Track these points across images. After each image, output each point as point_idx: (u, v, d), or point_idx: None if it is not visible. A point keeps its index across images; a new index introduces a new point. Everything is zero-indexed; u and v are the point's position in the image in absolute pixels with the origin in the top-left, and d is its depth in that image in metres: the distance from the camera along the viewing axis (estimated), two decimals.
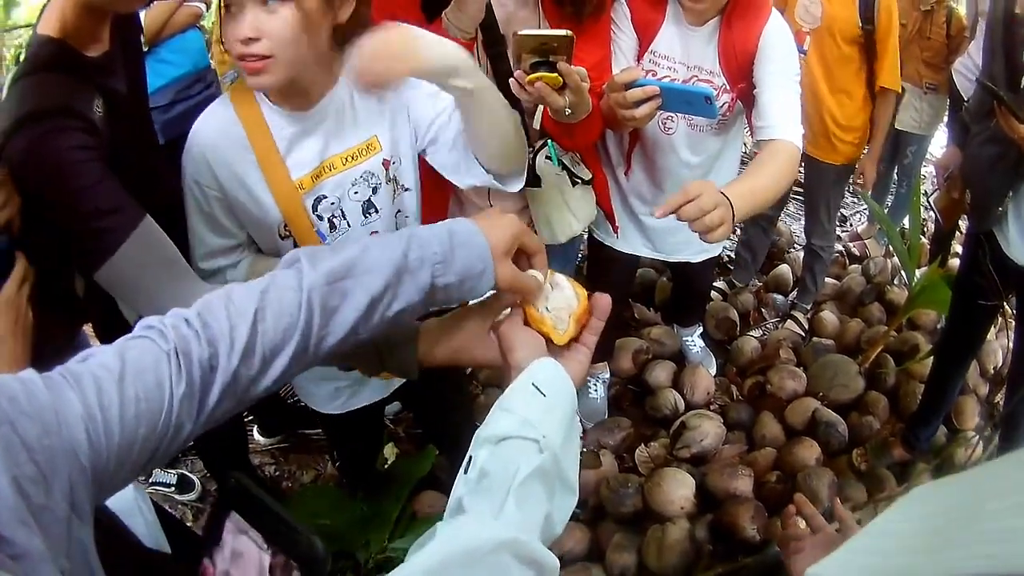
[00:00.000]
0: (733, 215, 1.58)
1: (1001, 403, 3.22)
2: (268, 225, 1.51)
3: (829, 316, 3.86)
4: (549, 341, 1.00)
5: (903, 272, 3.98)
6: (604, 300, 1.03)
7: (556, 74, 1.63)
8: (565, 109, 1.72)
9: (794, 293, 4.09)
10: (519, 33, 1.61)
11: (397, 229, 1.63)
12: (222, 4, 1.30)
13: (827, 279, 4.08)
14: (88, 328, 2.03)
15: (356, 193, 1.54)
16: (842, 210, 5.07)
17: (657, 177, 2.37)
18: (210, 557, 0.89)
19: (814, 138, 3.39)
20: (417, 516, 2.49)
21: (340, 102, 1.48)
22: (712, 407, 3.29)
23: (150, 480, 2.83)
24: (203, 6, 3.25)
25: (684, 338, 3.57)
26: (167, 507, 2.61)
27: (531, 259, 1.02)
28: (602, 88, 1.88)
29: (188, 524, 2.67)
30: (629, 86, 1.77)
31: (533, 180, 2.04)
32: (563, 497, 0.88)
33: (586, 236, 2.77)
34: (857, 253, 4.65)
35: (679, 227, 1.57)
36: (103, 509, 0.84)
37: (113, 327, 1.51)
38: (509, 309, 1.03)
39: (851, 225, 5.18)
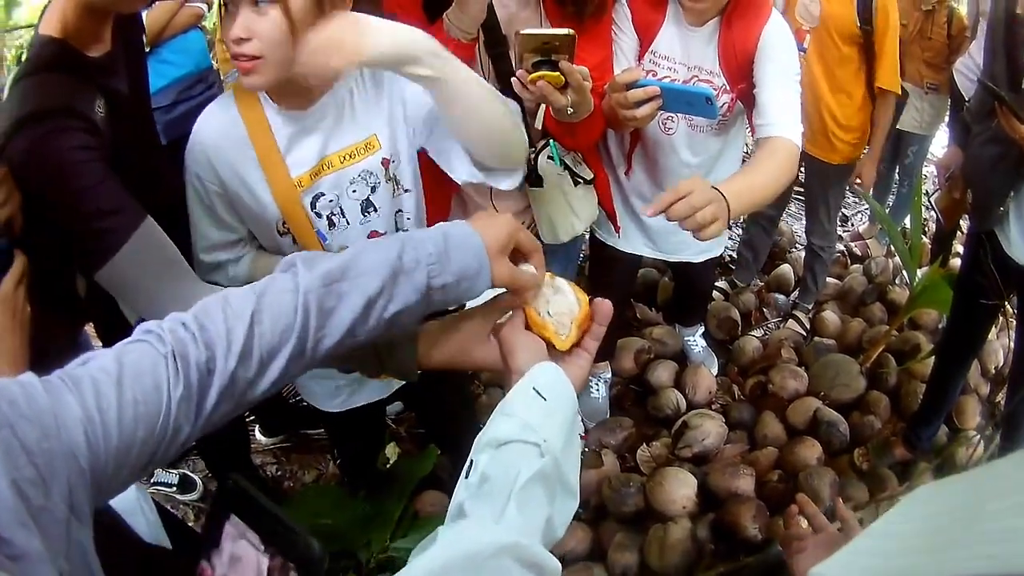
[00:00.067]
0: (729, 212, 1.58)
1: (1002, 403, 3.22)
2: (266, 221, 1.53)
3: (831, 316, 3.86)
4: (550, 346, 1.00)
5: (904, 272, 3.98)
6: (605, 306, 1.03)
7: (558, 73, 1.63)
8: (567, 108, 1.72)
9: (796, 293, 4.09)
10: (522, 32, 1.61)
11: (397, 229, 1.64)
12: (221, 4, 1.32)
13: (829, 279, 4.07)
14: (90, 328, 2.03)
15: (354, 192, 1.54)
16: (844, 210, 5.07)
17: (658, 177, 2.37)
18: (208, 559, 0.89)
19: (814, 137, 3.38)
20: (419, 516, 2.48)
21: (340, 100, 1.49)
22: (714, 407, 3.29)
23: (152, 480, 2.83)
24: (204, 6, 3.25)
25: (686, 338, 3.57)
26: (169, 507, 2.61)
27: (528, 258, 1.02)
28: (604, 88, 1.88)
29: (190, 524, 2.67)
30: (630, 86, 1.77)
31: (535, 180, 2.05)
32: (564, 501, 0.88)
33: (588, 236, 2.77)
34: (859, 253, 4.65)
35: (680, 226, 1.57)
36: (104, 507, 0.84)
37: (114, 327, 1.51)
38: (510, 312, 1.03)
39: (852, 225, 5.18)
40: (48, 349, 1.34)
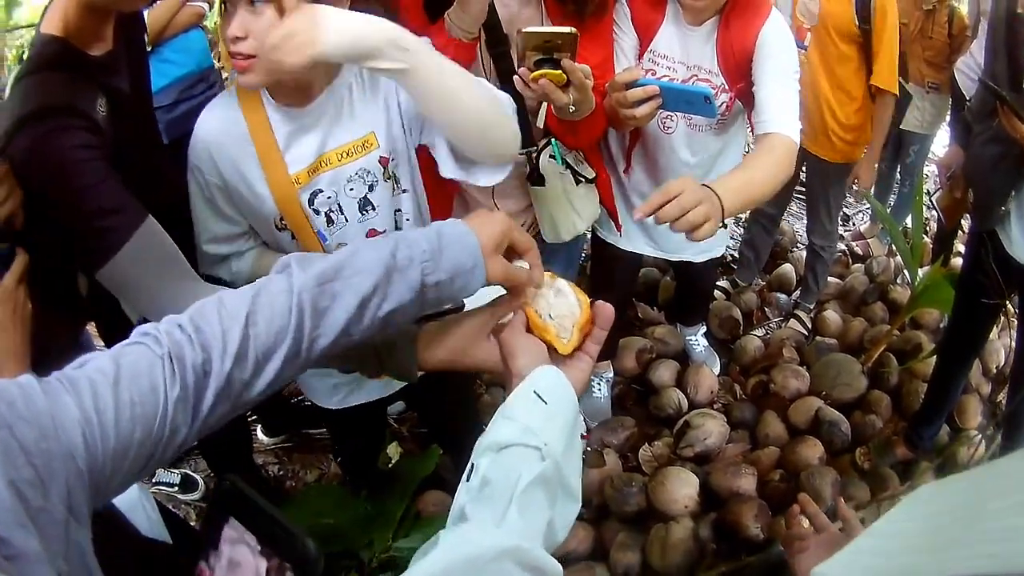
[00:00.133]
0: (723, 209, 1.56)
1: (1004, 402, 3.22)
2: (264, 216, 1.54)
3: (832, 315, 3.87)
4: (552, 349, 0.99)
5: (906, 271, 3.98)
6: (607, 309, 1.03)
7: (560, 71, 1.63)
8: (569, 106, 1.72)
9: (797, 292, 4.09)
10: (524, 30, 1.61)
11: (397, 228, 1.64)
12: (222, 2, 1.33)
13: (830, 278, 4.08)
14: (91, 327, 2.03)
15: (352, 190, 1.55)
16: (845, 209, 5.07)
17: (658, 176, 2.37)
18: (206, 560, 0.89)
19: (815, 136, 3.38)
20: (421, 515, 2.48)
21: (339, 98, 1.49)
22: (716, 406, 3.29)
23: (154, 480, 2.84)
24: (206, 5, 3.24)
25: (688, 337, 3.57)
26: (171, 507, 2.61)
27: (523, 256, 1.02)
28: (605, 87, 1.88)
29: (192, 523, 2.67)
30: (630, 86, 1.77)
31: (537, 178, 2.05)
32: (565, 504, 0.88)
33: (589, 235, 2.78)
34: (860, 252, 4.65)
35: None
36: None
37: (116, 326, 1.51)
38: (512, 314, 1.03)
39: (854, 224, 5.18)
40: (50, 348, 1.34)
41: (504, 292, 1.03)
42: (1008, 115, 2.07)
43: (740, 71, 2.07)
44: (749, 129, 2.26)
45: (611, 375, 3.29)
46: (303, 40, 1.17)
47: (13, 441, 0.63)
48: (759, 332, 3.86)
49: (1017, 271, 2.32)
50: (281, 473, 3.04)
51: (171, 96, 3.04)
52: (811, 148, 3.43)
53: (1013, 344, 2.70)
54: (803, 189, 3.99)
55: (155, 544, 1.27)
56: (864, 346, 3.64)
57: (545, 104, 1.83)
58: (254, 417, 3.08)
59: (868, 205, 4.82)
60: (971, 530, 0.49)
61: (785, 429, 3.08)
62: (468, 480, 0.86)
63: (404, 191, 1.62)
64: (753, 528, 2.50)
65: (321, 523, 2.24)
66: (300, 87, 1.44)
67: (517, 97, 1.80)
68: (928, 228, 4.64)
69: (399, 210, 1.64)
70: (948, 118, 4.15)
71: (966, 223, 3.58)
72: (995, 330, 3.18)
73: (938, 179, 3.27)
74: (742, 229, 4.24)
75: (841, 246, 4.57)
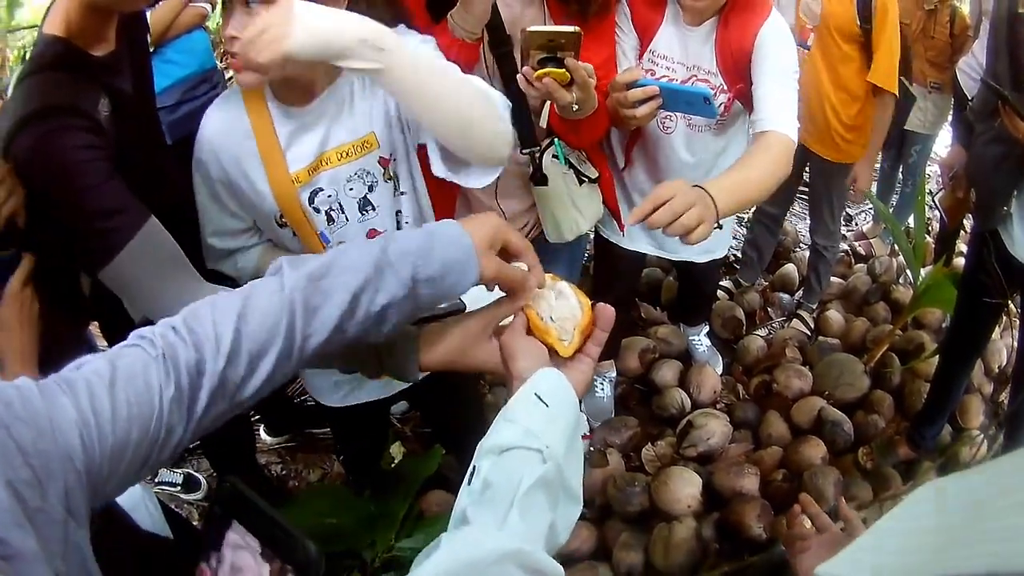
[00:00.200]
0: (717, 210, 1.54)
1: (1006, 402, 3.21)
2: (265, 213, 1.55)
3: (835, 315, 3.86)
4: (553, 352, 0.99)
5: (908, 271, 3.98)
6: (608, 311, 1.02)
7: (563, 70, 1.64)
8: (572, 105, 1.72)
9: (800, 292, 4.09)
10: (527, 29, 1.61)
11: (398, 229, 1.64)
12: (223, 3, 1.33)
13: (833, 278, 4.07)
14: (94, 327, 2.04)
15: (351, 190, 1.55)
16: (847, 209, 5.06)
17: (659, 176, 2.37)
18: (207, 561, 0.90)
19: (818, 136, 3.38)
20: (424, 515, 2.49)
21: (340, 97, 1.49)
22: (718, 406, 3.29)
23: (156, 479, 2.84)
24: (208, 6, 3.25)
25: (690, 337, 3.57)
26: (173, 506, 2.61)
27: (518, 258, 1.01)
28: (607, 86, 1.88)
29: (195, 523, 2.67)
30: (630, 86, 1.77)
31: (540, 178, 2.05)
32: (567, 506, 0.88)
33: (592, 235, 2.77)
34: (862, 252, 4.65)
35: None
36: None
37: (118, 326, 1.51)
38: (512, 316, 1.03)
39: (856, 224, 5.17)
40: (52, 347, 1.35)
41: (504, 295, 1.03)
42: (1010, 115, 2.07)
43: (739, 71, 2.06)
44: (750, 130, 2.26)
45: (614, 375, 3.29)
46: (273, 36, 1.14)
47: (10, 441, 0.63)
48: (762, 332, 3.86)
49: (1019, 271, 2.32)
50: (284, 473, 3.05)
51: (174, 97, 3.04)
52: (814, 148, 3.42)
53: (1015, 344, 2.70)
54: (806, 189, 3.99)
55: (154, 539, 1.27)
56: (867, 346, 3.64)
57: (548, 103, 1.84)
58: (257, 417, 3.09)
59: (871, 205, 4.81)
60: (973, 529, 0.49)
61: (788, 429, 3.08)
62: (469, 483, 0.85)
63: (403, 193, 1.62)
64: (756, 528, 2.50)
65: (324, 523, 2.24)
66: (302, 86, 1.44)
67: (520, 97, 1.80)
68: (930, 228, 4.63)
69: (399, 211, 1.64)
70: (950, 118, 4.14)
71: (968, 223, 3.57)
72: (997, 330, 3.18)
73: (940, 179, 3.27)
74: (745, 229, 4.24)
75: (844, 246, 4.57)
